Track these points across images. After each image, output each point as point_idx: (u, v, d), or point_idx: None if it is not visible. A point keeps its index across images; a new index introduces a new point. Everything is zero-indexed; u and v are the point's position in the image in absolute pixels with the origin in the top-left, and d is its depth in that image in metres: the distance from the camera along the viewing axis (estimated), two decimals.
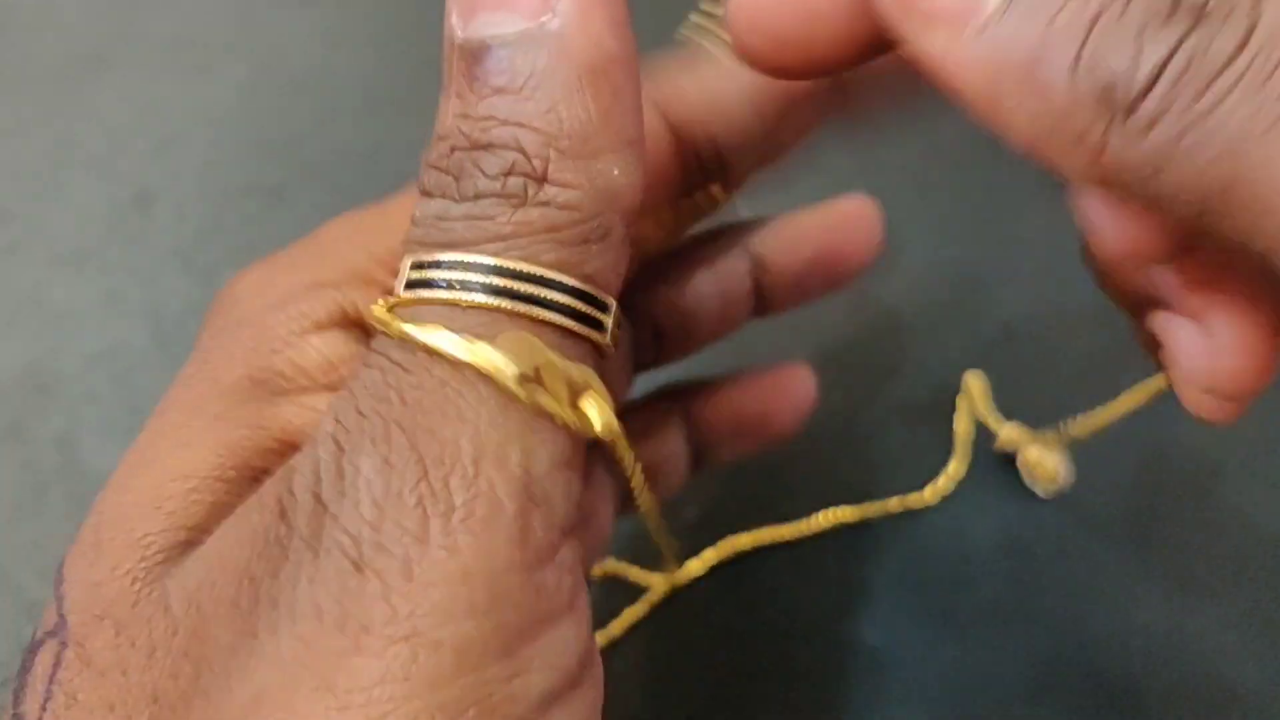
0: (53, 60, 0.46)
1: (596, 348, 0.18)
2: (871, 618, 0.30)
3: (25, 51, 0.47)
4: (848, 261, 0.27)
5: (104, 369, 0.36)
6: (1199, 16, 0.14)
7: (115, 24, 0.48)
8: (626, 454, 0.19)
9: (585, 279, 0.17)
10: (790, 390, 0.28)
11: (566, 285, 0.17)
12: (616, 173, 0.17)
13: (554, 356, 0.17)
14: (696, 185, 0.24)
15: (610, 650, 0.30)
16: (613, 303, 0.18)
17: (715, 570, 0.31)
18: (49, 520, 0.33)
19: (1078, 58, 0.14)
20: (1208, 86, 0.14)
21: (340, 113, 0.44)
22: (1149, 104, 0.14)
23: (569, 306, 0.17)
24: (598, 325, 0.18)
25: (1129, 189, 0.15)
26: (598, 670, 0.18)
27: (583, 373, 0.17)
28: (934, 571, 0.31)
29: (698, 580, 0.31)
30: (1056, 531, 0.31)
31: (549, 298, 0.17)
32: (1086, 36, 0.14)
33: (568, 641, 0.17)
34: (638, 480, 0.21)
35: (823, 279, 0.28)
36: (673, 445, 0.28)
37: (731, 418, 0.28)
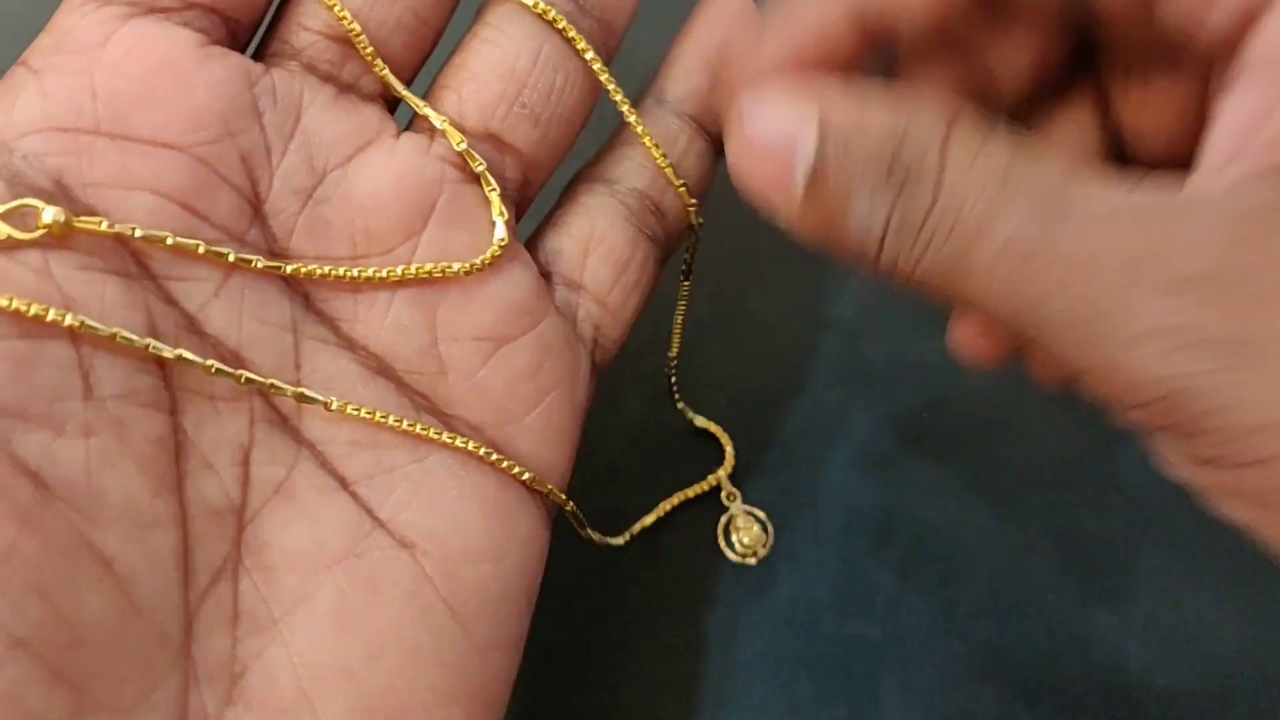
0: None
1: None
2: (872, 612, 0.30)
3: None
4: None
5: None
6: (904, 179, 0.18)
7: None
8: None
9: None
10: None
11: None
12: None
13: None
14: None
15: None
16: None
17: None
18: None
19: (845, 210, 0.19)
20: (915, 238, 0.18)
21: None
22: (886, 252, 0.19)
23: None
24: None
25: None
26: None
27: None
28: (935, 565, 0.30)
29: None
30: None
31: None
32: (847, 197, 0.18)
33: None
34: None
35: None
36: None
37: None
